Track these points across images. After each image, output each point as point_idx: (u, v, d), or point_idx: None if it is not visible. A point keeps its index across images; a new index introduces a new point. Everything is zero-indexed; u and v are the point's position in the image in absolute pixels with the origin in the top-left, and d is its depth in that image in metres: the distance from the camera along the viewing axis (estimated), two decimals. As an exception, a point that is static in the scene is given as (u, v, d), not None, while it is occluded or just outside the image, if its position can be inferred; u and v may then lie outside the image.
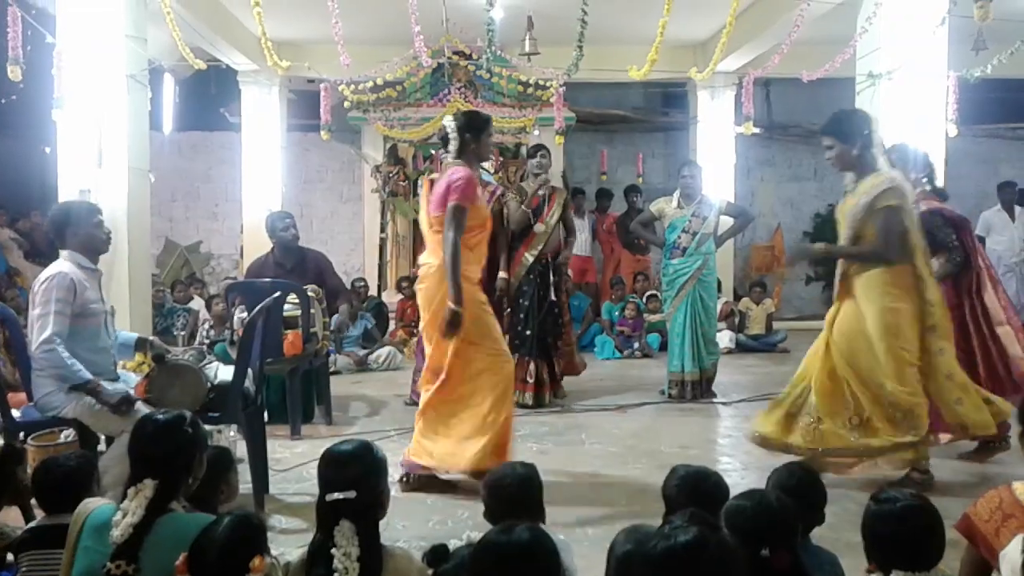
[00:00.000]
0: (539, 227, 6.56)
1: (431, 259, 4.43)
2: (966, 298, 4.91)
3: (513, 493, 2.65)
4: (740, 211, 7.33)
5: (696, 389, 6.81)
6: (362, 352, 8.32)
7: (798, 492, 2.56)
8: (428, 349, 4.53)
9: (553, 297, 6.56)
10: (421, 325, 4.63)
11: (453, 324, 4.21)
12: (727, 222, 7.18)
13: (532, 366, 6.49)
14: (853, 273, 4.33)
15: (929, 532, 2.20)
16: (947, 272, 4.79)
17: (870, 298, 4.24)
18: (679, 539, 1.73)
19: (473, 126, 4.49)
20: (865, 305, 4.25)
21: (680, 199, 6.91)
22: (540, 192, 6.64)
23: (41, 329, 3.75)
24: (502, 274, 6.60)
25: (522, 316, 6.54)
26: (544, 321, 6.54)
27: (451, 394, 4.38)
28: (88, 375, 3.78)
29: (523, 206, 6.60)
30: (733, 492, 2.48)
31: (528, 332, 6.51)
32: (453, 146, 4.48)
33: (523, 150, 10.46)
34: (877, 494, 2.32)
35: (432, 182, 4.59)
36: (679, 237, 6.82)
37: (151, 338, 4.33)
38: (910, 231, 4.24)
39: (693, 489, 2.58)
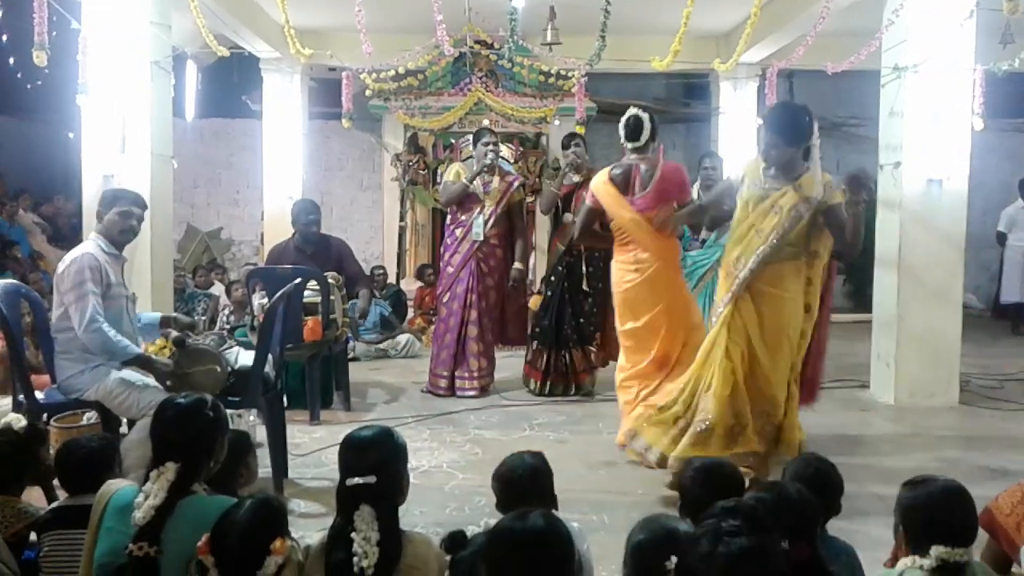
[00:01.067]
0: (567, 217, 6.53)
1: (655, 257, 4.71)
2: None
3: (523, 484, 2.64)
4: None
5: None
6: (379, 338, 8.34)
7: (814, 482, 2.55)
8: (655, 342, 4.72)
9: (586, 287, 6.48)
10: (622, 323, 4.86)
11: None
12: None
13: (545, 356, 6.52)
14: (767, 265, 4.14)
15: (965, 513, 2.20)
16: None
17: (785, 289, 4.14)
18: (741, 544, 1.76)
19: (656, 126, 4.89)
20: (773, 298, 4.15)
21: (700, 191, 6.87)
22: (575, 180, 6.60)
23: (82, 311, 3.79)
24: (517, 265, 6.62)
25: (544, 306, 6.55)
26: (576, 312, 6.51)
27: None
28: (138, 349, 3.86)
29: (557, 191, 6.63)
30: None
31: (546, 322, 6.51)
32: (645, 136, 4.83)
33: (543, 140, 10.45)
34: (911, 480, 2.31)
35: (614, 179, 4.82)
36: None
37: (174, 314, 4.38)
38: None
39: (706, 480, 2.57)
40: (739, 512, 1.87)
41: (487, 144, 6.52)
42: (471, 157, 6.82)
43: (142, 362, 3.88)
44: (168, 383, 3.83)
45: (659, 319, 4.69)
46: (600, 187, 4.86)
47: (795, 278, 4.17)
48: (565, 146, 6.70)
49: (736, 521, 1.82)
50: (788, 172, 4.16)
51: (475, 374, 6.52)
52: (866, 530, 3.42)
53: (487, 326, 6.60)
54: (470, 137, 6.92)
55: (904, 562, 2.18)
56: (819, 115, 4.30)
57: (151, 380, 3.92)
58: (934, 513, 2.18)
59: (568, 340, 6.50)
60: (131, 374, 3.92)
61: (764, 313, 4.15)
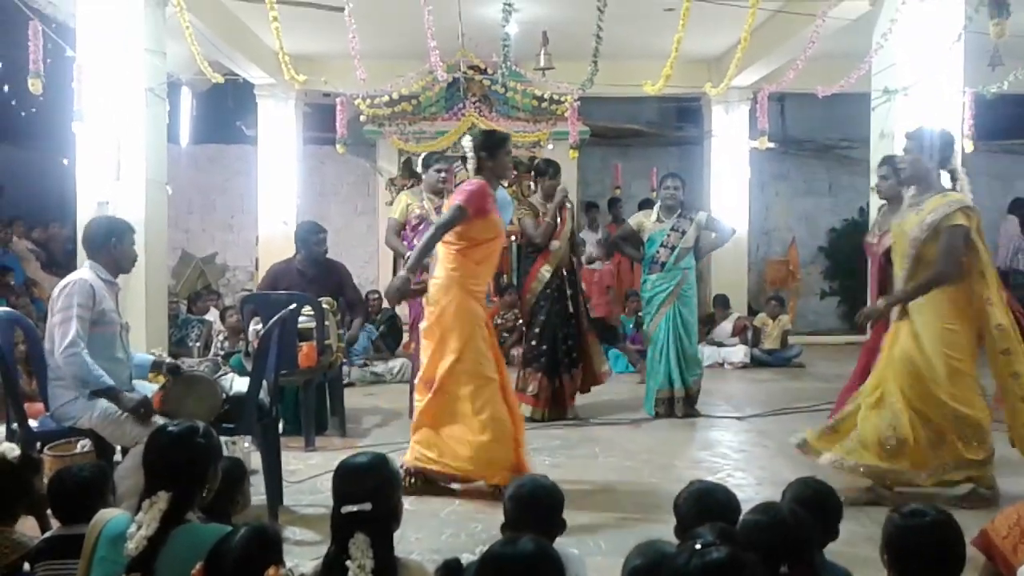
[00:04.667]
0: (554, 244, 6.53)
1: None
2: None
3: (537, 505, 2.64)
4: (721, 225, 7.08)
5: (684, 406, 6.64)
6: (368, 361, 8.34)
7: (814, 505, 2.54)
8: (424, 359, 4.63)
9: (571, 309, 6.51)
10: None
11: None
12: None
13: (542, 381, 6.45)
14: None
15: (956, 546, 2.19)
16: None
17: (925, 321, 4.20)
18: (713, 556, 1.74)
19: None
20: (921, 328, 4.21)
21: (660, 212, 6.75)
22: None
23: (63, 334, 3.78)
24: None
25: (537, 331, 6.51)
26: (567, 335, 6.49)
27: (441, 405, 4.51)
28: (110, 381, 3.82)
29: (534, 218, 6.62)
30: (747, 507, 2.46)
31: (544, 347, 6.48)
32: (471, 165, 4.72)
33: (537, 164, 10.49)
34: (900, 508, 2.30)
35: None
36: (657, 251, 6.67)
37: (167, 360, 4.35)
38: (972, 252, 4.18)
39: (698, 503, 2.57)
40: (715, 530, 1.88)
41: (439, 171, 6.48)
42: (415, 185, 6.79)
43: (111, 395, 3.83)
44: (141, 412, 3.79)
45: (428, 335, 4.65)
46: None
47: (940, 309, 4.22)
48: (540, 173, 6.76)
49: (711, 538, 1.82)
50: (923, 191, 4.31)
51: None
52: (867, 555, 3.40)
53: None
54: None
55: None
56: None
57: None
58: (922, 548, 2.17)
59: (560, 365, 6.49)
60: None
61: (904, 337, 4.33)
